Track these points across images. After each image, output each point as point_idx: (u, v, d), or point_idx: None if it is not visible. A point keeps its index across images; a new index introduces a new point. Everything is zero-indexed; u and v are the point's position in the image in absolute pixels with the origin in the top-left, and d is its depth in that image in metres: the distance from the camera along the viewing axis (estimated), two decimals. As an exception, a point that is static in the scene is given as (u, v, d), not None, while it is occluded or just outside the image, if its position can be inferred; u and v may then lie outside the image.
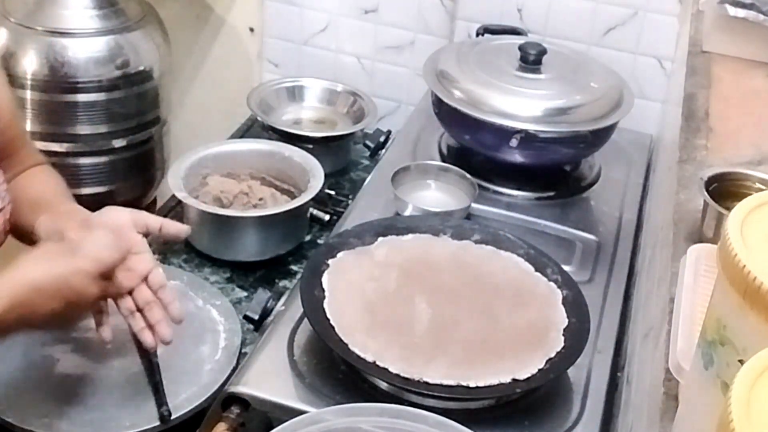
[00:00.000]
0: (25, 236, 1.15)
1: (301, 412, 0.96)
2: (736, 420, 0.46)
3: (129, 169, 1.81)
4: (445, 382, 1.03)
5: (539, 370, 1.06)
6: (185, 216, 1.52)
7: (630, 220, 1.47)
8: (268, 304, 1.24)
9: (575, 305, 1.15)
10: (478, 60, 1.54)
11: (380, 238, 1.25)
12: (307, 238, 1.57)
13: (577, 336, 1.10)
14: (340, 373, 1.09)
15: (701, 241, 0.93)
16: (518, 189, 1.51)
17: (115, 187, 1.81)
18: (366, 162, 1.82)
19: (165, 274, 1.35)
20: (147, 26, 1.79)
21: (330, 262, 1.19)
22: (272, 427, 0.93)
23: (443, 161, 1.55)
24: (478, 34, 1.77)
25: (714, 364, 0.60)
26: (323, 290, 1.14)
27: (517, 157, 1.47)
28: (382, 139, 1.80)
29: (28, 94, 1.66)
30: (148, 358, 1.20)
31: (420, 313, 1.12)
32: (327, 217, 1.60)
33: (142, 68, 1.75)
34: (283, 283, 1.46)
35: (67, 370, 1.20)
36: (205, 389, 1.18)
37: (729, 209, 0.64)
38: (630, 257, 1.38)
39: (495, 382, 1.04)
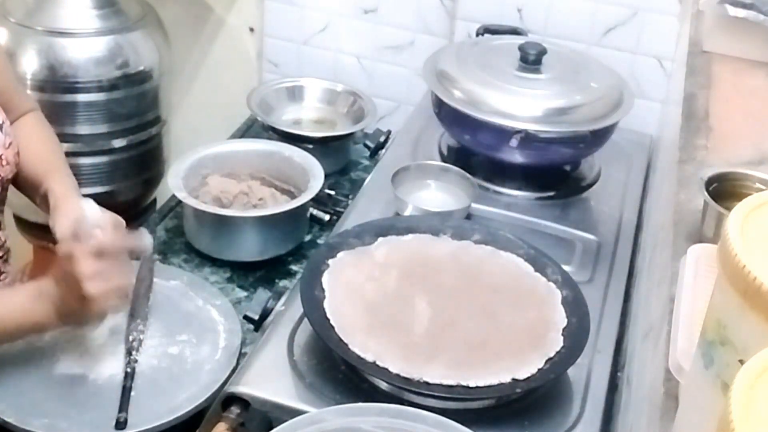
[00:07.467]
0: (27, 187, 1.28)
1: (301, 412, 0.96)
2: (736, 420, 0.46)
3: (129, 169, 1.81)
4: (445, 382, 1.03)
5: (539, 370, 1.06)
6: (185, 216, 1.52)
7: (630, 220, 1.47)
8: (268, 304, 1.24)
9: (575, 305, 1.15)
10: (478, 60, 1.54)
11: (380, 238, 1.24)
12: (307, 238, 1.57)
13: (577, 336, 1.10)
14: (340, 373, 1.09)
15: (701, 241, 0.93)
16: (518, 189, 1.51)
17: (115, 187, 1.80)
18: (366, 162, 1.82)
19: (165, 274, 1.37)
20: (147, 26, 1.79)
21: (330, 262, 1.19)
22: (272, 427, 0.93)
23: (443, 161, 1.55)
24: (478, 34, 1.77)
25: (714, 364, 0.60)
26: (323, 290, 1.14)
27: (517, 157, 1.47)
28: (382, 139, 1.80)
29: (28, 94, 1.66)
30: (129, 362, 1.20)
31: (420, 313, 1.12)
32: (327, 217, 1.60)
33: (142, 68, 1.75)
34: (283, 283, 1.46)
35: (67, 370, 1.20)
36: (205, 389, 1.18)
37: (729, 209, 0.64)
38: (630, 257, 1.38)
39: (495, 382, 1.04)
